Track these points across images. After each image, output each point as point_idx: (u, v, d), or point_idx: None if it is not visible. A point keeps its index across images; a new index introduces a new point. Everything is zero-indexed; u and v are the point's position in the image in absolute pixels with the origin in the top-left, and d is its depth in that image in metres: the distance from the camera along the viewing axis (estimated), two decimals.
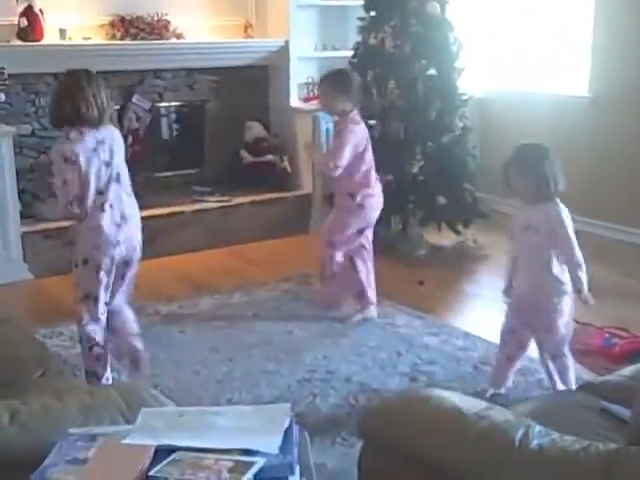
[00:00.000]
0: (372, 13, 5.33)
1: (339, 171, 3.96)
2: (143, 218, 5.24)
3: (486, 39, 6.37)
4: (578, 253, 3.19)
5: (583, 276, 3.18)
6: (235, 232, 5.53)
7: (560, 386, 3.33)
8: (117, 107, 5.61)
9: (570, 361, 3.33)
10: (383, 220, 5.39)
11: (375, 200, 4.14)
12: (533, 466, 1.67)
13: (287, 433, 1.64)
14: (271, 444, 1.58)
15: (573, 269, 3.17)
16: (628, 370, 2.59)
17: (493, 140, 6.23)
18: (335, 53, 6.10)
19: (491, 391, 3.36)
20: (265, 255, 5.32)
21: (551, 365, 3.30)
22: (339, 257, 4.18)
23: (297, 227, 5.67)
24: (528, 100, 6.11)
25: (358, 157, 4.00)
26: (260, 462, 1.51)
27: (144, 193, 5.58)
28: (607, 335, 3.94)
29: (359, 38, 5.42)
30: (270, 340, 3.99)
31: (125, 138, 5.65)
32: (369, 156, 4.05)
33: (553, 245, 3.18)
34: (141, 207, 5.30)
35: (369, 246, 4.23)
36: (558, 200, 3.30)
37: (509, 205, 6.11)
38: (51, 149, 3.36)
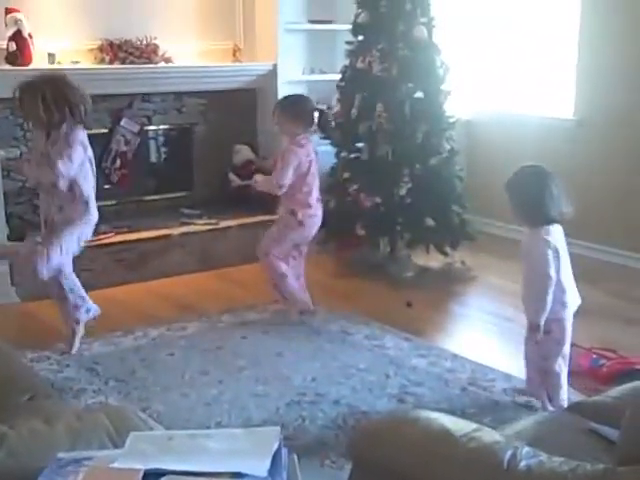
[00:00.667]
0: (360, 37, 5.38)
1: (283, 190, 4.32)
2: (131, 242, 5.33)
3: (472, 62, 6.43)
4: (536, 288, 3.17)
5: (535, 314, 3.18)
6: (223, 255, 5.54)
7: (549, 407, 3.34)
8: (105, 130, 5.65)
9: (561, 381, 3.35)
10: (372, 241, 5.45)
11: (314, 220, 4.47)
12: None
13: (276, 456, 1.64)
14: (260, 467, 1.57)
15: (524, 301, 3.20)
16: (616, 391, 2.60)
17: (480, 162, 6.28)
18: (323, 76, 6.15)
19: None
20: (253, 278, 5.31)
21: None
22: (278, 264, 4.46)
23: None
24: (514, 122, 6.16)
25: (300, 178, 4.33)
26: None
27: (132, 216, 5.68)
28: (595, 356, 3.96)
29: (347, 62, 5.47)
30: (259, 362, 3.99)
31: (113, 161, 5.74)
32: (310, 179, 4.38)
33: None
34: (129, 230, 5.39)
35: (300, 257, 4.59)
36: (551, 228, 3.23)
37: (496, 227, 6.19)
38: None
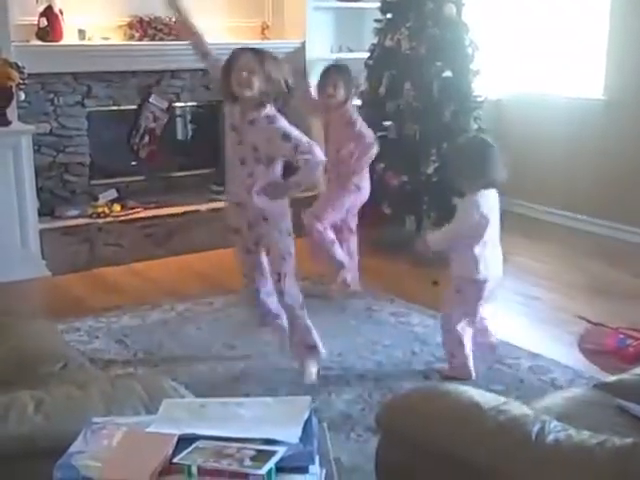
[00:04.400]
0: (388, 15, 5.36)
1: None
2: (159, 217, 5.37)
3: (502, 41, 6.39)
4: (452, 227, 3.53)
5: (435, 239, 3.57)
6: None
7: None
8: (134, 107, 5.69)
9: (464, 344, 3.54)
10: (398, 220, 5.45)
11: (367, 184, 4.58)
12: (549, 460, 1.69)
13: (307, 424, 1.67)
14: (292, 434, 1.61)
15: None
16: None
17: (508, 142, 6.22)
18: (351, 55, 6.13)
19: None
20: None
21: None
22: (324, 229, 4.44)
23: None
24: (543, 102, 6.12)
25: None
26: (281, 451, 1.54)
27: (160, 192, 5.72)
28: (621, 336, 3.95)
29: (375, 40, 5.45)
30: (284, 337, 4.01)
31: (142, 137, 5.78)
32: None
33: None
34: (157, 206, 5.43)
35: (350, 234, 4.65)
36: (485, 192, 3.44)
37: (523, 207, 6.17)
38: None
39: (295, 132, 3.28)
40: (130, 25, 5.54)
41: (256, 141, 3.29)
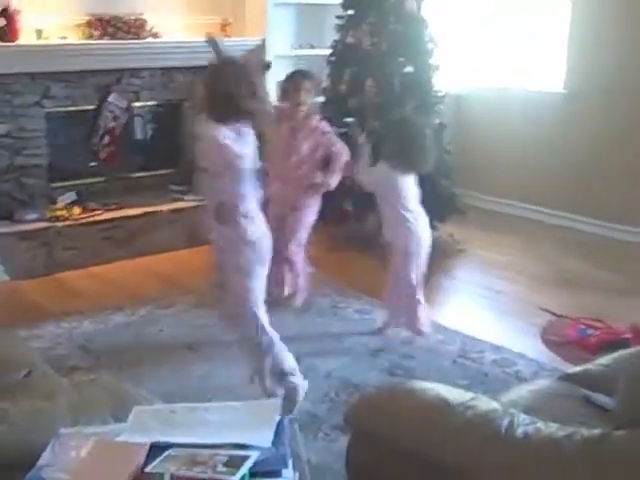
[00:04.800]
0: (350, 11, 5.36)
1: None
2: (120, 219, 5.32)
3: (462, 36, 6.42)
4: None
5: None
6: None
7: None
8: (93, 107, 5.62)
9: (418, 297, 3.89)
10: (360, 217, 5.46)
11: None
12: (519, 454, 1.71)
13: (278, 427, 1.67)
14: (264, 438, 1.61)
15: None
16: (606, 359, 2.65)
17: (468, 136, 6.29)
18: (312, 51, 6.13)
19: None
20: None
21: None
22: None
23: None
24: (504, 96, 6.18)
25: None
26: (254, 456, 1.54)
27: (121, 193, 5.66)
28: (583, 326, 4.02)
29: (337, 36, 5.45)
30: None
31: (101, 138, 5.70)
32: None
33: None
34: (118, 207, 5.37)
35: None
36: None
37: (483, 200, 6.22)
38: None
39: None
40: (89, 24, 5.46)
41: None
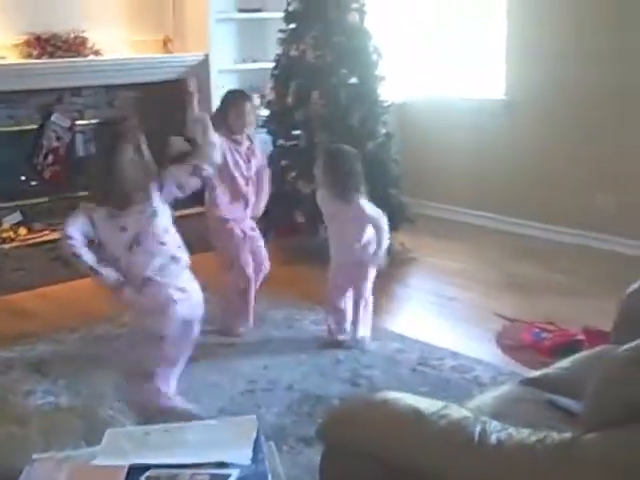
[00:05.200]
0: (292, 25, 5.38)
1: None
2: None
3: (404, 46, 6.50)
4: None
5: None
6: None
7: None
8: (36, 126, 5.54)
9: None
10: (311, 228, 5.47)
11: None
12: (494, 460, 1.73)
13: (256, 444, 1.67)
14: (243, 455, 1.60)
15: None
16: (565, 362, 2.69)
17: (413, 145, 6.36)
18: (255, 65, 6.15)
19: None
20: (206, 268, 5.25)
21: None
22: None
23: None
24: (447, 104, 6.27)
25: None
26: (235, 473, 1.53)
27: (67, 213, 5.57)
28: (537, 330, 4.07)
29: (280, 50, 5.46)
30: (208, 354, 3.96)
31: (45, 157, 5.63)
32: None
33: None
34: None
35: None
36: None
37: (431, 208, 6.29)
38: None
39: None
40: (27, 43, 5.41)
41: None
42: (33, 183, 5.68)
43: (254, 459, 1.60)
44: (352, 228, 3.95)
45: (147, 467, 1.57)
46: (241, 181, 4.13)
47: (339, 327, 4.13)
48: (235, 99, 4.16)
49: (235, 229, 4.16)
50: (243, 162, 4.14)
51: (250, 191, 4.19)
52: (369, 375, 3.72)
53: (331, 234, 4.12)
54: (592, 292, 4.61)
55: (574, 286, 4.79)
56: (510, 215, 5.93)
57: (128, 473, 1.55)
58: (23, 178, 5.66)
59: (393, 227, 5.53)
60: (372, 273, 4.04)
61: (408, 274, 5.29)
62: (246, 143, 4.17)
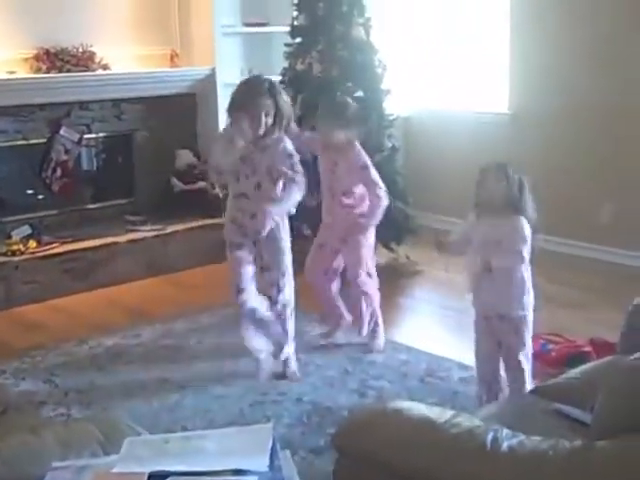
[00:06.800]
0: (298, 39, 5.44)
1: None
2: (77, 251, 5.28)
3: (409, 60, 6.55)
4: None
5: None
6: (171, 260, 5.53)
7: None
8: (45, 140, 5.59)
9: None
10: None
11: None
12: (507, 468, 1.76)
13: (272, 451, 1.70)
14: (260, 463, 1.63)
15: None
16: (575, 372, 2.73)
17: (418, 158, 6.40)
18: None
19: None
20: (203, 281, 5.33)
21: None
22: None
23: None
24: (452, 118, 6.31)
25: None
26: None
27: (76, 225, 5.63)
28: (543, 341, 4.09)
29: (286, 64, 5.51)
30: (217, 366, 4.01)
31: (54, 171, 5.67)
32: None
33: None
34: (74, 240, 5.34)
35: None
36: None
37: (435, 220, 6.31)
38: None
39: None
40: (36, 57, 5.46)
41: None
42: (42, 196, 5.72)
43: (271, 466, 1.63)
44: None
45: (166, 474, 1.59)
46: None
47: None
48: None
49: None
50: None
51: None
52: (378, 386, 3.75)
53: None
54: (594, 304, 4.64)
55: (578, 297, 4.82)
56: None
57: None
58: (32, 191, 5.70)
59: (399, 240, 5.61)
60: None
61: (414, 286, 5.32)
62: None
